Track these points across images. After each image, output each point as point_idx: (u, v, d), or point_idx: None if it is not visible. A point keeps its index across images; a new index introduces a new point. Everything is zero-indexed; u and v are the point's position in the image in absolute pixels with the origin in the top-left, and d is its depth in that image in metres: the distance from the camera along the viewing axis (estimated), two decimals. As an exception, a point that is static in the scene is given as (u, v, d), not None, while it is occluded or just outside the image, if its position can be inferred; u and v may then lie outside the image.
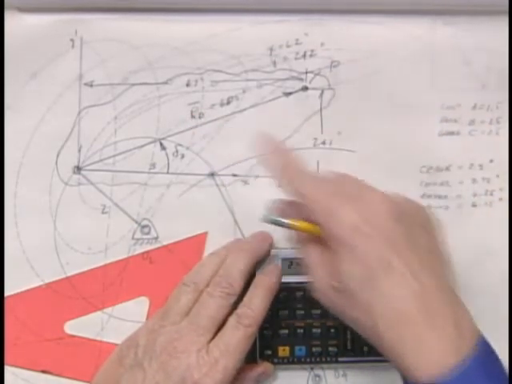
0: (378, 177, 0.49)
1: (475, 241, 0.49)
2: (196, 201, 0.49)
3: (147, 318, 0.48)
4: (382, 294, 0.36)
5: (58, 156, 0.49)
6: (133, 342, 0.43)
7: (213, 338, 0.42)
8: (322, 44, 0.49)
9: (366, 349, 0.48)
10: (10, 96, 0.48)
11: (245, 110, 0.49)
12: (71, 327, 0.48)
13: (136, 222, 0.49)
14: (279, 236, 0.49)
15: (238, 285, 0.44)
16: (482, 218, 0.50)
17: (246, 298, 0.44)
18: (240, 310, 0.43)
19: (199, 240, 0.49)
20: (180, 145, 0.49)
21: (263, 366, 0.47)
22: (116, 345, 0.45)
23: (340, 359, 0.48)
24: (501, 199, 0.50)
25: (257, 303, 0.43)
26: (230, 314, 0.43)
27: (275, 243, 0.48)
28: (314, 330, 0.48)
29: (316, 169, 0.49)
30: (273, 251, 0.48)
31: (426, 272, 0.37)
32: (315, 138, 0.49)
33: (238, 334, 0.42)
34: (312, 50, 0.49)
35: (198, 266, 0.46)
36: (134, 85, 0.49)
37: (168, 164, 0.49)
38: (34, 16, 0.48)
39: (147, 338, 0.43)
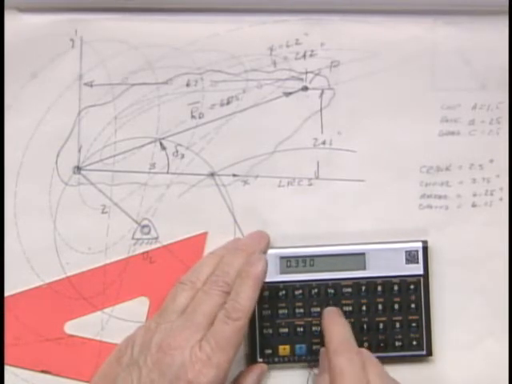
0: (378, 177, 0.49)
1: (475, 241, 0.49)
2: (196, 201, 0.49)
3: (147, 318, 0.48)
4: None
5: (57, 156, 0.49)
6: (130, 342, 0.44)
7: None
8: (322, 44, 0.49)
9: (365, 345, 0.48)
10: (9, 96, 0.48)
11: (245, 110, 0.49)
12: (71, 327, 0.48)
13: (136, 222, 0.49)
14: (276, 235, 0.49)
15: (234, 283, 0.44)
16: (482, 218, 0.50)
17: (232, 292, 0.43)
18: (227, 304, 0.43)
19: (199, 240, 0.49)
20: (180, 145, 0.49)
21: (260, 367, 0.47)
22: (116, 345, 0.45)
23: (340, 356, 0.48)
24: (501, 199, 0.50)
25: (243, 295, 0.43)
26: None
27: (272, 242, 0.48)
28: (314, 328, 0.48)
29: (316, 169, 0.49)
30: (270, 250, 0.48)
31: None
32: (315, 138, 0.49)
33: (228, 329, 0.42)
34: (312, 50, 0.49)
35: (196, 265, 0.47)
36: (134, 85, 0.49)
37: (168, 164, 0.49)
38: (33, 16, 0.48)
39: (143, 336, 0.43)
